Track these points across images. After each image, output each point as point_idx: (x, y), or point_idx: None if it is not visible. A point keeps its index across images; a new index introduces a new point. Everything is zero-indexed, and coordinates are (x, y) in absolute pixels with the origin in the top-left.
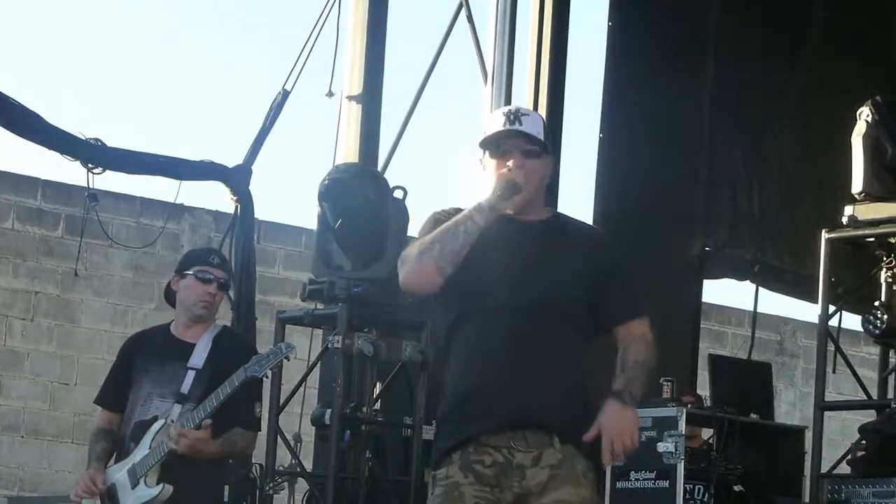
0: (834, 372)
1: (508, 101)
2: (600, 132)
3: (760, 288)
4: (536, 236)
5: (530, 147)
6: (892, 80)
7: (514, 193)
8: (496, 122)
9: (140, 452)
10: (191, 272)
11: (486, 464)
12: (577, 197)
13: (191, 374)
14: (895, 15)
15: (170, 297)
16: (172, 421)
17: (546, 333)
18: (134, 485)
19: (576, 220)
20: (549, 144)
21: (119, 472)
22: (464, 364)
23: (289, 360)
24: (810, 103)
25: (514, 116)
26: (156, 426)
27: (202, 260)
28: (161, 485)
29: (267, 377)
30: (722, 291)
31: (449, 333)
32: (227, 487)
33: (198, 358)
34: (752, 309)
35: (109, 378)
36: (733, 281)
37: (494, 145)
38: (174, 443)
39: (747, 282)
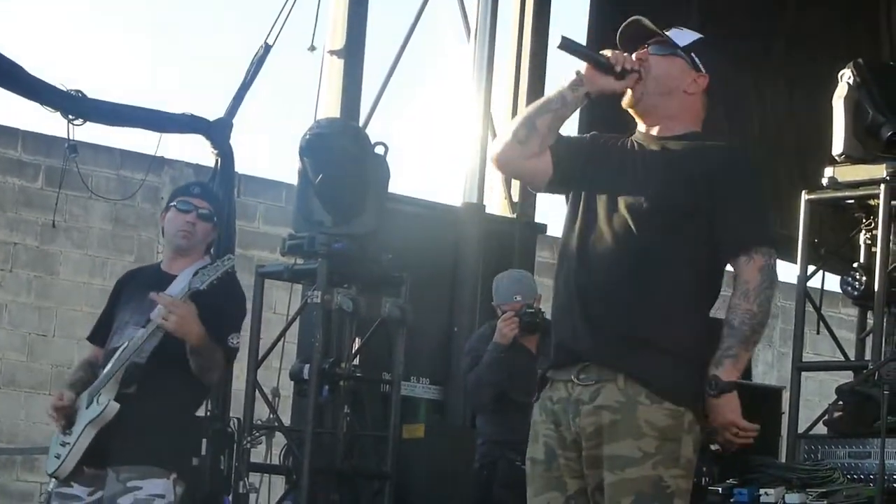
0: (818, 333)
1: (491, 59)
2: None
3: None
4: (639, 159)
5: (662, 43)
6: (873, 42)
7: (609, 71)
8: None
9: (101, 376)
10: (173, 203)
11: (554, 399)
12: None
13: None
14: None
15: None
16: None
17: (628, 269)
18: (88, 405)
19: (706, 142)
20: (694, 58)
21: (82, 397)
22: (557, 296)
23: (231, 271)
24: (793, 63)
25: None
26: (119, 350)
27: (183, 191)
28: (108, 401)
29: (206, 288)
30: None
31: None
32: (204, 441)
33: (175, 287)
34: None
35: (101, 315)
36: None
37: (622, 41)
38: (163, 318)
39: None
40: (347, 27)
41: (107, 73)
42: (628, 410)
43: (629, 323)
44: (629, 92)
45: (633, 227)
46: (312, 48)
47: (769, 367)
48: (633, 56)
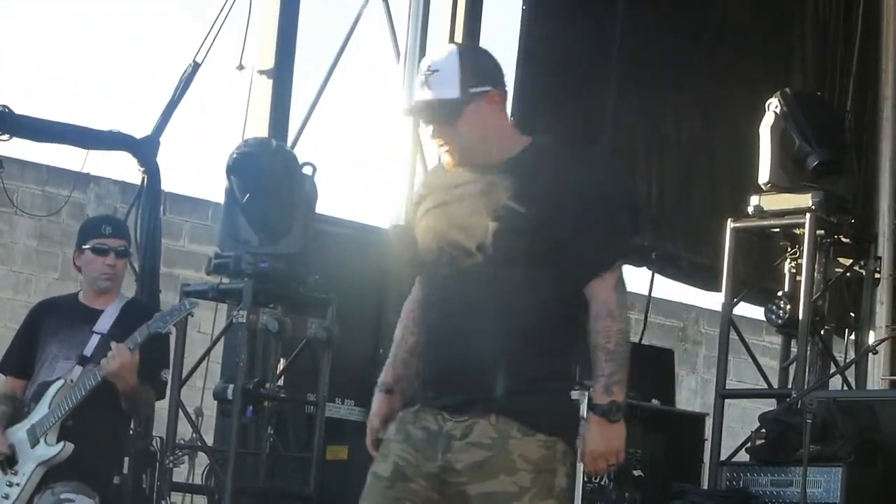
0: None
1: None
2: (511, 114)
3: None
4: (486, 184)
5: (441, 114)
6: (787, 72)
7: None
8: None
9: (40, 412)
10: (88, 246)
11: (417, 426)
12: None
13: (95, 338)
14: (796, 9)
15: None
16: (72, 381)
17: (489, 291)
18: (34, 444)
19: (555, 150)
20: (473, 86)
21: (19, 433)
22: (421, 332)
23: (192, 317)
24: (711, 91)
25: (425, 79)
26: (55, 386)
27: (96, 232)
28: (62, 442)
29: (171, 333)
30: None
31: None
32: (126, 459)
33: (104, 323)
34: (654, 295)
35: (13, 344)
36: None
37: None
38: (107, 361)
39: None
40: (277, 46)
41: (33, 89)
42: (501, 446)
43: (497, 359)
44: (448, 160)
45: (496, 257)
46: (241, 67)
47: (692, 394)
48: (431, 137)
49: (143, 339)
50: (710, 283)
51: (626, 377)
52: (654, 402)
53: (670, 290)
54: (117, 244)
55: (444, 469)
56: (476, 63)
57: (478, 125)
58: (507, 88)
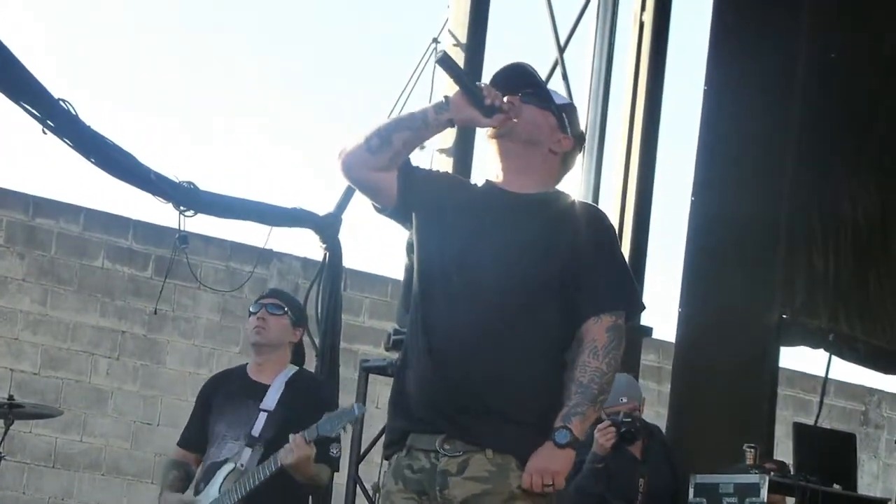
0: None
1: (600, 162)
2: (692, 196)
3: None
4: (512, 210)
5: (532, 91)
6: None
7: (478, 103)
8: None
9: (210, 494)
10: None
11: (414, 468)
12: (668, 256)
13: (262, 416)
14: None
15: None
16: (242, 465)
17: (498, 324)
18: None
19: (566, 203)
20: (566, 118)
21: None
22: (411, 352)
23: (359, 423)
24: (889, 174)
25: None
26: (225, 469)
27: (257, 299)
28: None
29: (339, 436)
30: (808, 359)
31: (412, 313)
32: None
33: (270, 400)
34: (836, 378)
35: (190, 421)
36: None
37: (500, 81)
38: (286, 452)
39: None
40: (458, 128)
41: (218, 164)
42: (499, 478)
43: (492, 397)
44: (494, 127)
45: (495, 294)
46: (422, 147)
47: (874, 479)
48: (505, 98)
49: (311, 440)
50: (890, 366)
51: (590, 414)
52: (836, 486)
53: (852, 373)
54: (270, 301)
55: None
56: (577, 118)
57: (538, 130)
58: (572, 163)
